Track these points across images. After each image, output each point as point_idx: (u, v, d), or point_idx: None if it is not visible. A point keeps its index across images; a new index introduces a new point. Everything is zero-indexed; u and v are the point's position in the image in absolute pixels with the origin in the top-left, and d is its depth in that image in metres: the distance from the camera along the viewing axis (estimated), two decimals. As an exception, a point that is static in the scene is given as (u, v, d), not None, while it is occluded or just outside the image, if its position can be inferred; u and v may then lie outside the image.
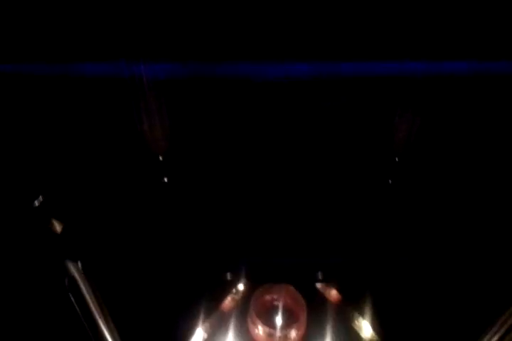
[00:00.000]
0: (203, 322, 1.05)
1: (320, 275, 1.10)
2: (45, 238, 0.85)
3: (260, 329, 0.99)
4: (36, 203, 0.77)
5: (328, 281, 1.11)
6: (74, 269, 0.74)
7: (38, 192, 0.78)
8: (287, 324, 1.00)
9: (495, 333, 0.94)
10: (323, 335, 1.01)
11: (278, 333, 0.99)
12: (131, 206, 1.12)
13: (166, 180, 1.16)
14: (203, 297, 1.07)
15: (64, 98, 1.08)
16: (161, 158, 1.15)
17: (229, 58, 1.01)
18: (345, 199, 1.17)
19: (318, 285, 1.12)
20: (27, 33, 0.99)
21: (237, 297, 1.10)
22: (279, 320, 1.01)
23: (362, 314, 1.06)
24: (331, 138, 1.16)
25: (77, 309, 0.74)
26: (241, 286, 1.11)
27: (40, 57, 1.02)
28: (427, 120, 1.06)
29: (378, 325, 1.04)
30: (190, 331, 1.03)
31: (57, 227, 0.85)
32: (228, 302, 1.09)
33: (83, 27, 0.99)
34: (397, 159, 1.13)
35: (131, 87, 1.00)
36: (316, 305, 1.07)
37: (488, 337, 0.94)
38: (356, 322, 1.05)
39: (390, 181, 1.17)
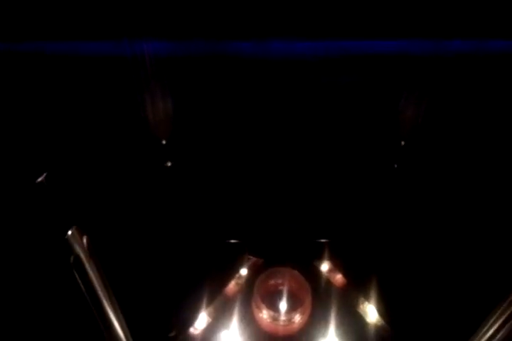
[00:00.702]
0: (207, 306, 1.04)
1: (324, 258, 1.11)
2: (50, 216, 0.84)
3: (265, 313, 0.98)
4: (40, 180, 0.76)
5: (333, 265, 1.11)
6: (79, 248, 0.73)
7: (42, 170, 0.77)
8: (292, 308, 0.99)
9: (500, 316, 0.93)
10: (327, 319, 1.00)
11: (282, 317, 0.98)
12: (134, 187, 1.12)
13: (169, 164, 1.15)
14: (207, 281, 1.06)
15: (66, 77, 1.06)
16: (164, 141, 1.13)
17: (232, 37, 1.00)
18: (351, 182, 1.16)
19: (323, 269, 1.11)
20: (30, 12, 0.98)
21: (241, 281, 1.09)
22: (283, 304, 1.00)
23: (367, 298, 1.05)
24: (336, 119, 1.15)
25: (82, 288, 0.73)
26: (245, 271, 1.11)
27: (43, 37, 1.00)
28: (434, 103, 1.05)
29: (383, 309, 1.03)
30: (194, 315, 1.02)
31: (63, 205, 0.84)
32: (232, 286, 1.08)
33: (85, 6, 0.97)
34: (403, 143, 1.12)
35: (133, 66, 0.98)
36: (320, 290, 1.07)
37: (492, 320, 0.94)
38: (361, 306, 1.05)
39: (395, 165, 1.16)
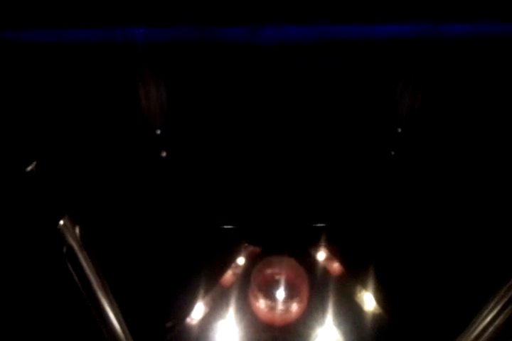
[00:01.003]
0: (204, 296, 1.04)
1: (321, 245, 1.10)
2: (41, 205, 0.83)
3: (262, 303, 0.98)
4: (30, 169, 0.74)
5: (330, 253, 1.10)
6: (71, 238, 0.72)
7: (32, 158, 0.75)
8: (289, 297, 0.99)
9: (496, 304, 0.93)
10: (325, 308, 1.00)
11: (279, 306, 0.98)
12: (128, 176, 1.11)
13: (163, 154, 1.14)
14: (204, 270, 1.06)
15: (57, 66, 1.05)
16: (158, 131, 1.12)
17: (227, 23, 0.98)
18: (348, 169, 1.16)
19: (320, 258, 1.11)
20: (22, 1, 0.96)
21: (238, 270, 1.09)
22: (280, 293, 1.00)
23: (364, 286, 1.05)
24: (332, 106, 1.13)
25: (76, 278, 0.72)
26: (242, 260, 1.10)
27: (35, 25, 0.98)
28: (431, 89, 1.04)
29: (381, 298, 1.03)
30: (190, 305, 1.02)
31: (54, 194, 0.83)
32: (229, 275, 1.08)
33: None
34: (399, 130, 1.12)
35: (126, 55, 0.97)
36: (318, 278, 1.06)
37: (489, 309, 0.94)
38: (359, 294, 1.05)
39: (392, 152, 1.15)
